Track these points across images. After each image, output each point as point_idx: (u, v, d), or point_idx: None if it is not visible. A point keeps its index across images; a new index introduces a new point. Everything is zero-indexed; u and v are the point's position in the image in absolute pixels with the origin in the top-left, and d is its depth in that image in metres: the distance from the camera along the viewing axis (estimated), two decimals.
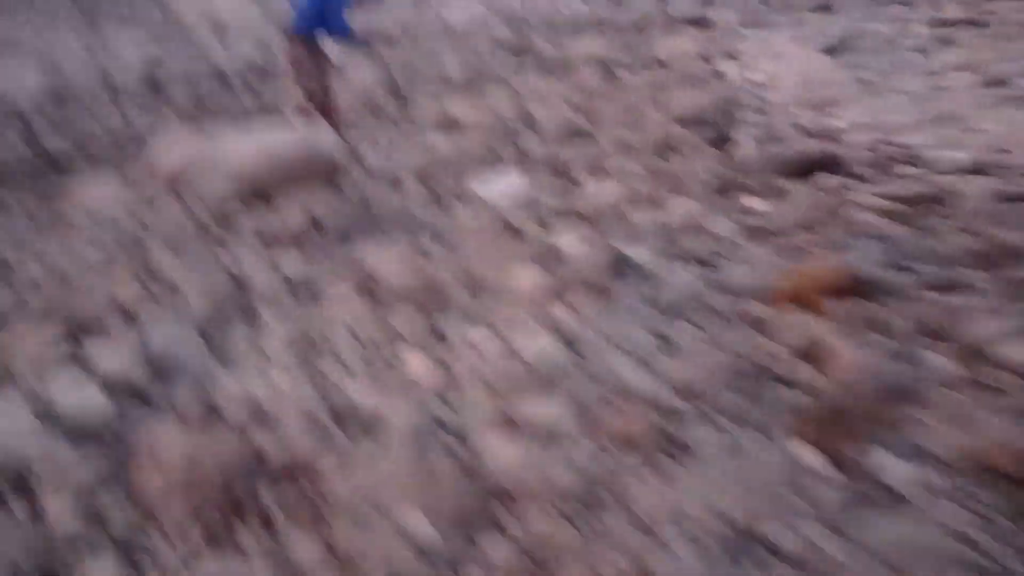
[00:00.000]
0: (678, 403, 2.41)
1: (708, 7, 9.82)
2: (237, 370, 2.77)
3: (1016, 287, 2.79)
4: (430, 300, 3.17)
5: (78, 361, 2.79)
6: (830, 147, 4.65)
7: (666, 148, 4.93)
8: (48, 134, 5.51)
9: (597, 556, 1.88)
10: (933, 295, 2.85)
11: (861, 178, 4.16)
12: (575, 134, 5.44)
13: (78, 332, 2.94)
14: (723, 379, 2.48)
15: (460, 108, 6.23)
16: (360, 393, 2.61)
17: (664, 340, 2.78)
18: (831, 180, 4.13)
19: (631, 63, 7.41)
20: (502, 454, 2.26)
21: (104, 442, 2.39)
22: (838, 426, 2.22)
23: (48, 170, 4.90)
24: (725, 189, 4.15)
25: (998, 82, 5.88)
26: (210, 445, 2.28)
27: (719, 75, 6.92)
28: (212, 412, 2.53)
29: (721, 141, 5.00)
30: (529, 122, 5.81)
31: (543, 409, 2.43)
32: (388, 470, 2.23)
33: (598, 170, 4.63)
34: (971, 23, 8.23)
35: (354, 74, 7.03)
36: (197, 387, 2.67)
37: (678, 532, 1.94)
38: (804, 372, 2.47)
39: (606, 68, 7.21)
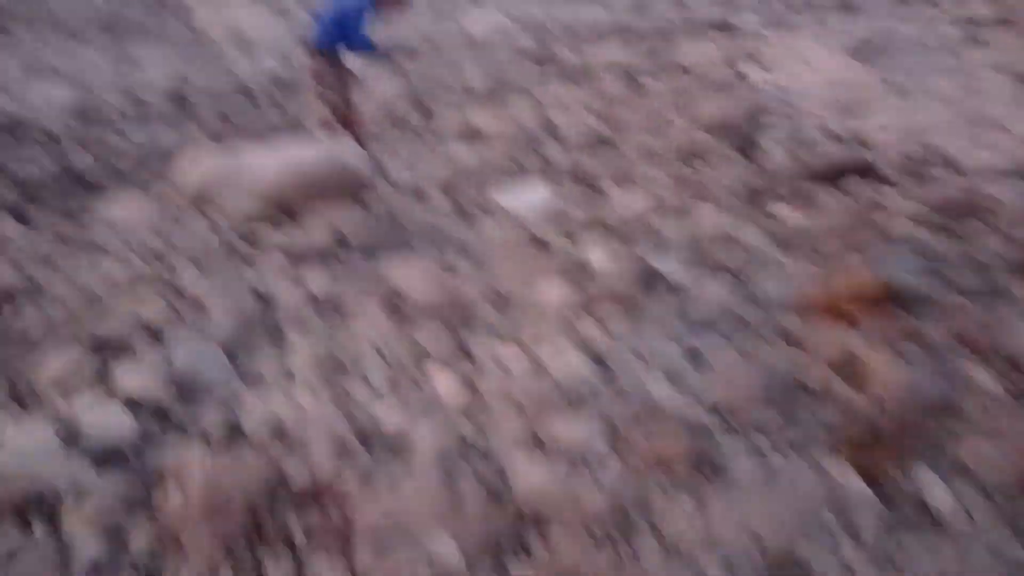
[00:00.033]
0: (710, 422, 2.35)
1: (729, 10, 9.71)
2: (262, 390, 2.75)
3: None
4: (456, 316, 3.13)
5: (103, 381, 2.78)
6: (860, 152, 4.57)
7: (692, 156, 4.86)
8: (74, 151, 5.56)
9: None
10: (971, 305, 2.77)
11: (893, 183, 4.07)
12: (599, 143, 5.38)
13: (103, 351, 2.93)
14: (757, 396, 2.41)
15: (483, 118, 6.20)
16: (386, 413, 2.57)
17: (695, 355, 2.72)
18: (862, 186, 4.04)
19: (654, 70, 7.33)
20: (530, 476, 2.22)
21: (128, 464, 2.37)
22: (876, 445, 2.16)
23: (74, 187, 4.93)
24: (754, 197, 4.07)
25: None
26: (234, 468, 2.26)
27: (743, 79, 6.82)
28: (236, 433, 2.51)
29: (748, 147, 4.92)
30: (552, 131, 5.76)
31: (572, 429, 2.38)
32: (414, 492, 2.19)
33: (623, 179, 4.57)
34: (1002, 22, 8.05)
35: (376, 87, 7.04)
36: (222, 407, 2.65)
37: (712, 557, 1.89)
38: (840, 388, 2.40)
39: (629, 75, 7.14)
